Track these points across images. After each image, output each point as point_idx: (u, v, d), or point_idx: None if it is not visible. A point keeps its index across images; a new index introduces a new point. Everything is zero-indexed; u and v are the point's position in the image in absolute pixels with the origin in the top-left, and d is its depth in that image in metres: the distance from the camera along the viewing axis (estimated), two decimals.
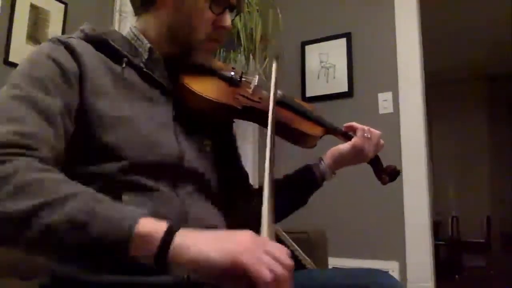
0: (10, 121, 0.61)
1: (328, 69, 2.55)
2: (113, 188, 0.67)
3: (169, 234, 0.52)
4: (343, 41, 2.52)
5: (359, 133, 0.95)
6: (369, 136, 0.95)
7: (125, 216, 0.54)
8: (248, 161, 2.53)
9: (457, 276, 4.40)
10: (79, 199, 0.54)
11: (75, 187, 0.57)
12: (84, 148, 0.69)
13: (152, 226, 0.53)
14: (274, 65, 0.88)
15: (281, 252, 0.52)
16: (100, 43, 0.76)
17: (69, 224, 0.52)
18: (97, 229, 0.52)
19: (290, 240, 1.49)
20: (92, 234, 0.52)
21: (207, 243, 0.52)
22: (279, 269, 0.49)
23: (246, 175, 1.02)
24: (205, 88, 0.81)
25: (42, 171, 0.57)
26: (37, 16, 1.91)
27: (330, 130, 0.97)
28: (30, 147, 0.59)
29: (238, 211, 0.91)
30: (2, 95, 0.65)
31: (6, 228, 0.53)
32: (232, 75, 0.88)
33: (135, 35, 0.83)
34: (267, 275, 0.48)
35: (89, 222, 0.52)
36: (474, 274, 4.69)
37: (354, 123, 0.98)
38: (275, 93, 0.81)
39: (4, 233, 0.54)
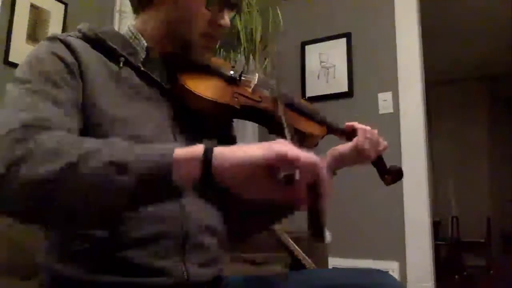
0: (25, 110, 0.61)
1: (328, 69, 2.55)
2: None
3: (208, 151, 0.54)
4: (343, 41, 2.52)
5: (360, 134, 0.94)
6: (371, 137, 0.94)
7: (160, 148, 0.56)
8: None
9: (457, 276, 4.39)
10: (112, 145, 0.56)
11: (105, 140, 0.58)
12: None
13: (188, 149, 0.55)
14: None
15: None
16: (97, 43, 0.76)
17: (112, 165, 0.53)
18: (139, 164, 0.54)
19: (290, 240, 1.49)
20: (136, 168, 0.53)
21: (247, 147, 0.54)
22: (316, 158, 0.53)
23: None
24: (203, 87, 0.80)
25: (65, 137, 0.58)
26: (37, 16, 1.90)
27: (331, 130, 0.96)
28: (48, 128, 0.60)
29: (236, 212, 0.91)
30: (13, 90, 0.65)
31: (50, 190, 0.53)
32: (231, 74, 0.87)
33: (133, 34, 0.83)
34: (310, 157, 0.52)
35: (130, 159, 0.54)
36: (474, 274, 4.69)
37: (355, 123, 0.97)
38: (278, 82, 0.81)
39: (51, 193, 0.53)
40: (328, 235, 0.55)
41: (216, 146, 0.55)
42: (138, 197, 0.55)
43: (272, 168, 0.53)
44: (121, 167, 0.53)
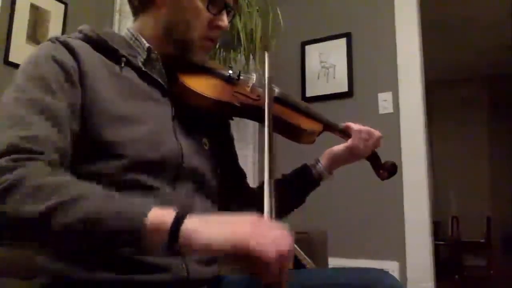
0: (17, 126, 0.63)
1: (328, 69, 2.55)
2: (113, 187, 0.67)
3: (177, 223, 0.56)
4: (343, 41, 2.52)
5: (354, 135, 0.96)
6: (366, 137, 0.96)
7: (135, 211, 0.57)
8: (248, 161, 2.53)
9: (457, 276, 4.40)
10: (91, 199, 0.58)
11: (85, 187, 0.60)
12: (84, 147, 0.69)
13: (161, 216, 0.56)
14: (266, 59, 0.87)
15: (282, 231, 0.57)
16: (99, 44, 0.77)
17: (83, 223, 0.56)
18: (110, 226, 0.56)
19: None
20: (106, 230, 0.56)
21: (213, 228, 0.56)
22: (281, 247, 0.54)
23: (243, 175, 1.02)
24: (203, 86, 0.82)
25: (52, 175, 0.60)
26: (37, 16, 1.90)
27: (327, 126, 0.97)
28: (37, 152, 0.61)
29: (235, 210, 0.92)
30: (8, 99, 0.67)
31: (24, 228, 0.58)
32: (230, 74, 0.89)
33: (133, 36, 0.84)
34: (271, 254, 0.52)
35: (102, 219, 0.56)
36: (474, 274, 4.69)
37: (350, 124, 0.99)
38: (270, 88, 0.81)
39: (22, 232, 0.59)
40: None
41: (188, 215, 0.56)
42: (101, 248, 0.60)
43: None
44: (94, 225, 0.56)
